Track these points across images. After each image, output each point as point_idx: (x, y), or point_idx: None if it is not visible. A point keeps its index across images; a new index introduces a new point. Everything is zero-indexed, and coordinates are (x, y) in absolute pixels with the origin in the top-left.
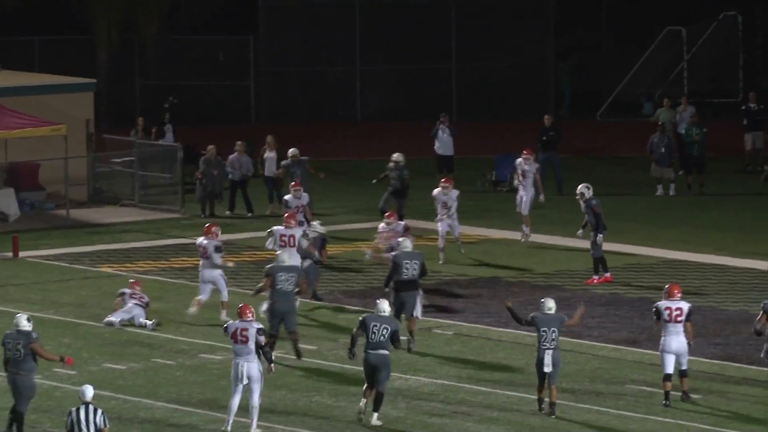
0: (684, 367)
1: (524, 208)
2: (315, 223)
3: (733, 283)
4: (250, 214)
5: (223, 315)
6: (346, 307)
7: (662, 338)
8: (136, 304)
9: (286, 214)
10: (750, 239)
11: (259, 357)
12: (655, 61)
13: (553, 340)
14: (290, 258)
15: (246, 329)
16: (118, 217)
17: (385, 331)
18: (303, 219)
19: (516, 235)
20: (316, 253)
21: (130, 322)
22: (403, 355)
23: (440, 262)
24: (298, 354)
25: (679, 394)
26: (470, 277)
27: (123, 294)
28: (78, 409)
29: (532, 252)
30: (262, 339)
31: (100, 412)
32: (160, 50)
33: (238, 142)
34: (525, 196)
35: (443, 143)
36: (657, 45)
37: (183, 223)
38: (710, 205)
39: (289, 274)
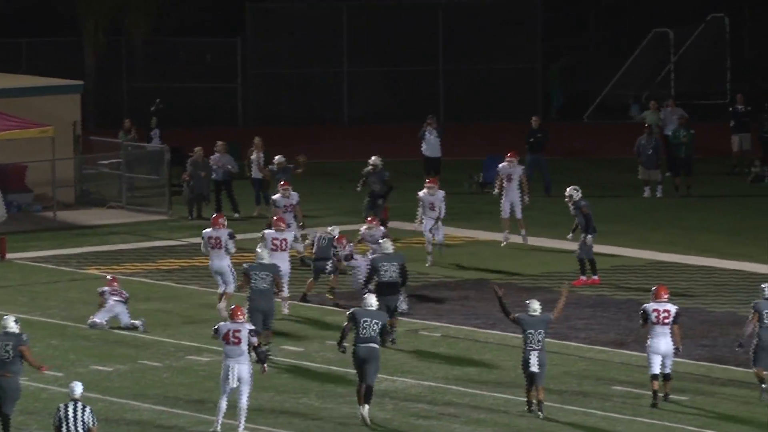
0: (668, 371)
1: (517, 212)
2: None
3: (720, 285)
4: (237, 215)
5: (222, 305)
6: (334, 308)
7: (649, 340)
8: (117, 300)
9: (275, 217)
10: (737, 241)
11: (250, 358)
12: (642, 63)
13: (539, 341)
14: (281, 260)
15: (238, 330)
16: (105, 219)
17: (375, 325)
18: (292, 220)
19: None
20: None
21: (117, 323)
22: (391, 356)
23: (427, 265)
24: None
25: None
26: (457, 278)
27: (103, 293)
28: (66, 406)
29: (520, 254)
30: (255, 340)
31: (88, 409)
32: (148, 52)
33: (218, 142)
34: (513, 200)
35: (430, 145)
36: (644, 47)
37: (170, 225)
38: (697, 207)
39: (263, 273)
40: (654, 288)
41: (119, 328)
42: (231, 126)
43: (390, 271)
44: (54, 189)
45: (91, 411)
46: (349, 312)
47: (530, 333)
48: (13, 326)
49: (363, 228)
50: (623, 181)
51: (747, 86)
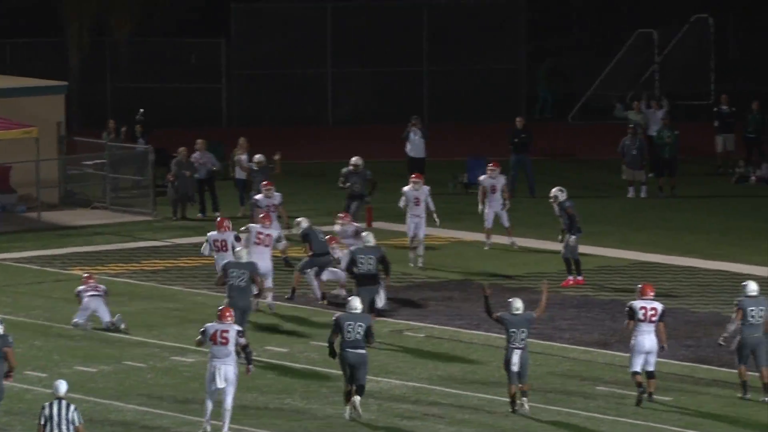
0: (651, 368)
1: (504, 221)
2: (364, 234)
3: (704, 285)
4: (217, 213)
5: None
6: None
7: (634, 337)
8: (91, 295)
9: (261, 215)
10: (721, 241)
11: (236, 359)
12: (626, 64)
13: (522, 340)
14: (262, 258)
15: (227, 331)
16: (89, 219)
17: (360, 328)
18: (275, 220)
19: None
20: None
21: (98, 322)
22: (375, 357)
23: (411, 265)
24: None
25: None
26: (441, 279)
27: (78, 293)
28: (51, 405)
29: (504, 254)
30: (243, 340)
31: (73, 407)
32: (132, 53)
33: (199, 140)
34: (498, 211)
35: (415, 146)
36: (628, 48)
37: (154, 226)
38: (682, 208)
39: (240, 271)
40: (639, 285)
41: (102, 328)
42: (215, 126)
43: (367, 263)
44: (38, 189)
45: (76, 409)
46: (333, 318)
47: (513, 332)
48: None
49: (336, 226)
50: (608, 181)
51: (731, 87)
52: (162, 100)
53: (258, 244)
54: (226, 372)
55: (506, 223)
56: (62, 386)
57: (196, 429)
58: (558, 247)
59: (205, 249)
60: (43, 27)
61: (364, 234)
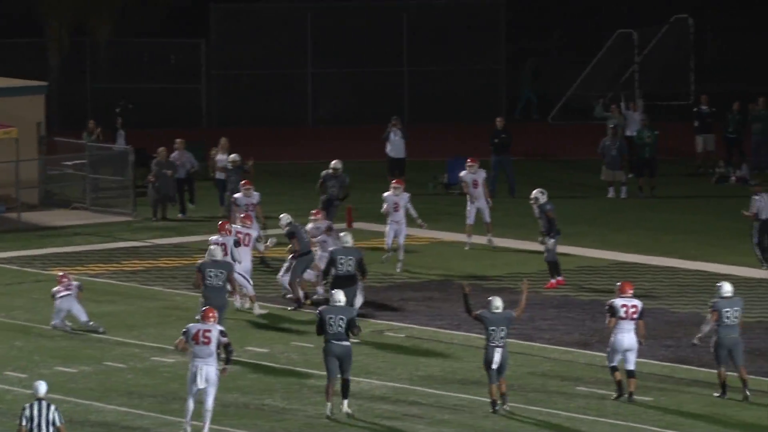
0: (632, 367)
1: (486, 216)
2: (342, 234)
3: (684, 286)
4: (192, 206)
5: (256, 309)
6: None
7: (614, 335)
8: (62, 296)
9: (242, 215)
10: (701, 241)
11: (218, 359)
12: (606, 64)
13: (501, 338)
14: (243, 256)
15: (209, 330)
16: (69, 220)
17: (341, 321)
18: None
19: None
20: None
21: (76, 320)
22: (355, 357)
23: (383, 258)
24: None
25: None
26: (422, 279)
27: (53, 295)
28: (31, 405)
29: (484, 255)
30: (226, 339)
31: (53, 408)
32: (112, 53)
33: (177, 140)
34: (481, 206)
35: (395, 146)
36: (608, 48)
37: (134, 226)
38: (661, 208)
39: (218, 270)
40: (619, 283)
41: (84, 330)
42: (195, 127)
43: (347, 264)
44: (18, 190)
45: (57, 409)
46: (317, 312)
47: (493, 330)
48: None
49: (309, 225)
50: (587, 182)
51: (711, 87)
52: (142, 101)
53: (237, 245)
54: (208, 372)
55: (487, 218)
56: (42, 387)
57: (176, 429)
58: (534, 246)
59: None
60: (23, 28)
61: (342, 234)
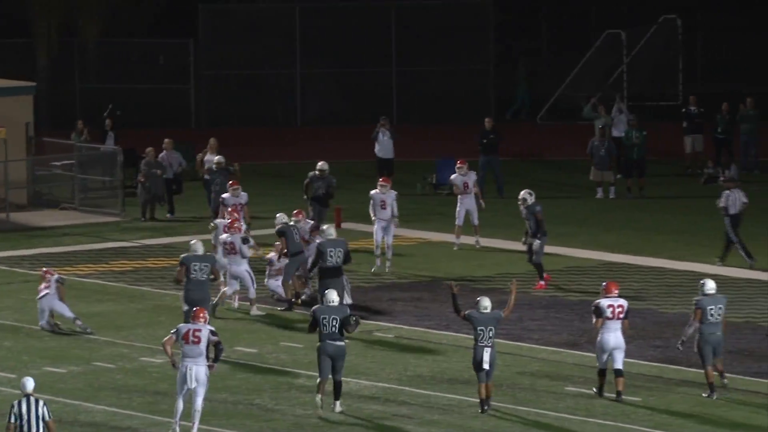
0: (619, 366)
1: (474, 218)
2: (326, 227)
3: (672, 286)
4: (178, 196)
5: (254, 310)
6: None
7: (600, 335)
8: (42, 296)
9: (230, 219)
10: (690, 242)
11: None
12: (595, 65)
13: (489, 338)
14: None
15: (199, 330)
16: (58, 220)
17: (334, 321)
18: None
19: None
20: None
21: (66, 321)
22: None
23: (372, 270)
24: None
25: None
26: (410, 280)
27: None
28: (20, 402)
29: (473, 255)
30: (216, 338)
31: (42, 403)
32: (100, 53)
33: (166, 140)
34: (470, 207)
35: (383, 146)
36: (596, 48)
37: (123, 227)
38: (650, 208)
39: (202, 264)
40: (604, 284)
41: (73, 331)
42: (184, 127)
43: (336, 256)
44: (7, 190)
45: (45, 404)
46: (311, 311)
47: (481, 330)
48: None
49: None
50: (576, 182)
51: (700, 88)
52: (130, 101)
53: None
54: (197, 372)
55: (476, 221)
56: (29, 383)
57: (165, 429)
58: (522, 247)
59: (221, 253)
60: (11, 28)
61: (325, 227)
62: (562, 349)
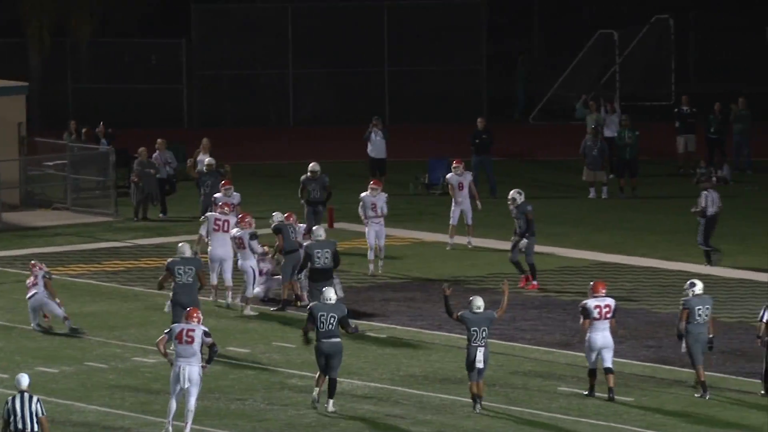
0: (609, 365)
1: (468, 219)
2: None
3: (665, 286)
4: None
5: (247, 310)
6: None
7: (588, 335)
8: (30, 296)
9: (220, 203)
10: (682, 242)
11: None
12: (587, 65)
13: (483, 339)
14: (221, 245)
15: (192, 330)
16: (50, 220)
17: (332, 319)
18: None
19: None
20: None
21: (57, 321)
22: None
23: (369, 273)
24: None
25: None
26: (403, 280)
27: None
28: (14, 398)
29: (465, 255)
30: (210, 340)
31: (35, 399)
32: (93, 53)
33: (159, 140)
34: (465, 208)
35: (376, 146)
36: (589, 48)
37: (115, 227)
38: (643, 208)
39: (187, 267)
40: (591, 283)
41: (67, 334)
42: (176, 127)
43: (324, 258)
44: None
45: (39, 400)
46: (308, 308)
47: (475, 330)
48: None
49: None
50: (568, 182)
51: (692, 88)
52: (123, 101)
53: (216, 230)
54: (190, 372)
55: (469, 221)
56: (24, 379)
57: (158, 429)
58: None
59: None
60: (3, 28)
61: (314, 228)
62: (554, 349)
